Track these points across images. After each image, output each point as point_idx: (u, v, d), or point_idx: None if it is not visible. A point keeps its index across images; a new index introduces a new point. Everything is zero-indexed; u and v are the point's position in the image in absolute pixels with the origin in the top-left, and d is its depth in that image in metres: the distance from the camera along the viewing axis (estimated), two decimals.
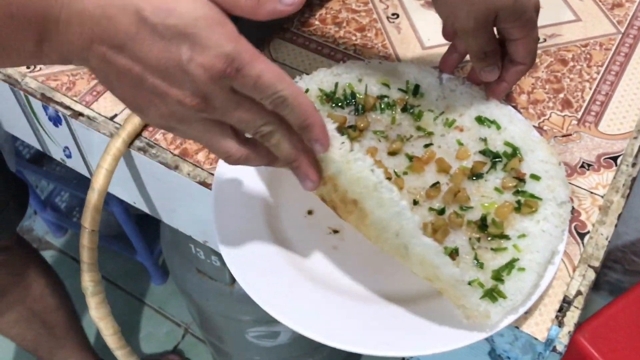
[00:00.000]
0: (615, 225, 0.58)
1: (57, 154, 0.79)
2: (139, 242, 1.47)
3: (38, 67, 0.72)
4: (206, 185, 0.62)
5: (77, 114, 0.68)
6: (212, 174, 0.62)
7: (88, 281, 0.64)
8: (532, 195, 0.55)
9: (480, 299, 0.49)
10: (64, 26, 0.39)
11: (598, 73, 0.70)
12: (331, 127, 0.46)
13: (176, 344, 1.55)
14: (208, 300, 1.03)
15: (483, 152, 0.59)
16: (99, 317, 0.64)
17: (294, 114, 0.42)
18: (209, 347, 1.35)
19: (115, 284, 1.65)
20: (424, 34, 0.75)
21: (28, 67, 0.72)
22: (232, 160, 0.44)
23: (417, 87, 0.64)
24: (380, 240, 0.49)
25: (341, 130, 0.61)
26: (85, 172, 0.79)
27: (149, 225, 1.48)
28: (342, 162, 0.46)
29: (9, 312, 1.12)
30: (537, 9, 0.56)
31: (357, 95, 0.64)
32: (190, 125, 0.42)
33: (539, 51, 0.73)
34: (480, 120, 0.61)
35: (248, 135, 0.45)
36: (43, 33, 0.39)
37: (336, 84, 0.64)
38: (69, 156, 0.77)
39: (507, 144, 0.59)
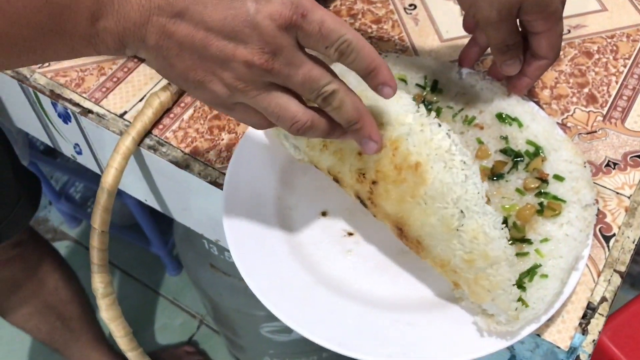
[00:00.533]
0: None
1: (67, 150, 0.78)
2: (153, 234, 1.47)
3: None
4: (217, 185, 0.60)
5: (87, 111, 0.67)
6: (223, 174, 0.61)
7: (98, 282, 0.63)
8: (556, 197, 0.53)
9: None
10: (121, 1, 0.38)
11: (625, 66, 0.67)
12: (406, 96, 0.47)
13: (191, 335, 1.55)
14: (222, 295, 1.02)
15: (504, 151, 0.57)
16: (109, 319, 0.63)
17: (360, 57, 0.42)
18: (224, 339, 1.34)
19: (130, 275, 1.65)
20: (442, 25, 0.73)
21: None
22: (298, 126, 0.43)
23: (435, 82, 0.62)
24: (427, 213, 0.46)
25: None
26: (96, 169, 0.77)
27: (163, 216, 1.47)
28: (415, 125, 0.47)
29: (24, 305, 1.12)
30: (563, 1, 0.54)
31: None
32: (256, 91, 0.41)
33: (562, 43, 0.70)
34: (501, 117, 0.59)
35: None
36: (98, 10, 0.38)
37: None
38: (79, 153, 0.76)
39: (529, 142, 0.57)
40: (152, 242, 1.51)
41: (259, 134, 0.60)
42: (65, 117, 0.70)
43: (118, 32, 0.39)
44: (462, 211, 0.45)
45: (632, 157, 0.60)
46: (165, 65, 0.41)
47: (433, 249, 0.48)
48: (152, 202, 0.74)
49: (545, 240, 0.51)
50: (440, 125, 0.47)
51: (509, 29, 0.54)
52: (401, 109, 0.48)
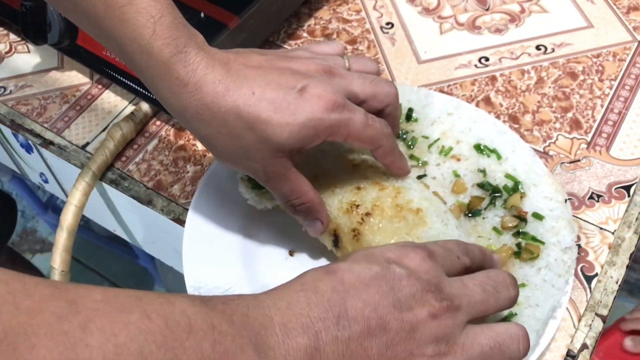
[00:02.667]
0: (627, 266, 0.53)
1: (35, 178, 0.75)
2: (139, 248, 1.44)
3: (8, 89, 0.68)
4: (181, 222, 0.58)
5: (48, 143, 0.64)
6: (187, 209, 0.58)
7: None
8: (534, 238, 0.50)
9: None
10: (281, 324, 0.34)
11: (611, 88, 0.64)
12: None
13: None
14: None
15: (481, 186, 0.54)
16: None
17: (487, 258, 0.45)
18: None
19: (119, 287, 1.62)
20: (420, 45, 0.70)
21: (0, 94, 0.68)
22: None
23: (410, 110, 0.59)
24: None
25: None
26: (64, 198, 0.75)
27: None
28: (417, 184, 0.51)
29: None
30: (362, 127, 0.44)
31: None
32: (461, 341, 0.37)
33: (545, 63, 0.67)
34: (479, 148, 0.56)
35: None
36: (261, 343, 0.32)
37: None
38: (46, 181, 0.73)
39: (508, 176, 0.54)
40: (138, 255, 1.49)
41: (224, 168, 0.57)
42: (28, 148, 0.67)
43: None
44: None
45: (616, 188, 0.57)
46: None
47: None
48: (121, 234, 0.71)
49: (522, 285, 0.48)
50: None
51: (290, 187, 0.45)
52: None
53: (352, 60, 0.49)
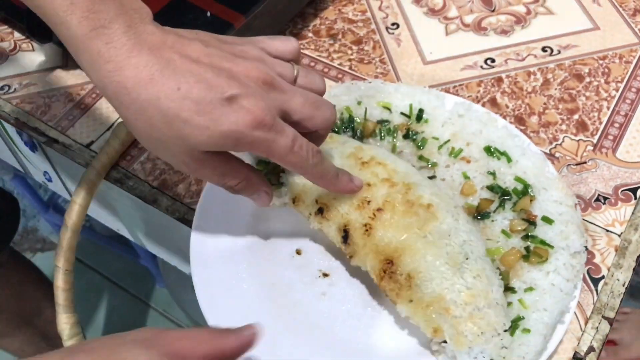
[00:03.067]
0: (634, 269, 0.53)
1: (38, 177, 0.75)
2: (141, 247, 1.44)
3: (12, 88, 0.68)
4: (185, 221, 0.57)
5: (52, 141, 0.64)
6: (192, 209, 0.58)
7: (64, 323, 0.60)
8: (543, 242, 0.50)
9: None
10: None
11: (617, 90, 0.64)
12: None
13: None
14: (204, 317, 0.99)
15: (491, 188, 0.54)
16: None
17: None
18: None
19: (120, 286, 1.63)
20: (425, 46, 0.69)
21: (5, 92, 0.68)
22: None
23: (420, 111, 0.59)
24: (433, 245, 0.46)
25: None
26: (67, 197, 0.74)
27: None
28: (426, 180, 0.51)
29: (8, 327, 1.09)
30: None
31: (356, 120, 0.59)
32: None
33: (551, 65, 0.66)
34: (489, 150, 0.56)
35: None
36: None
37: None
38: (49, 180, 0.73)
39: (517, 179, 0.54)
40: (140, 255, 1.48)
41: None
42: (32, 146, 0.67)
43: None
44: (466, 254, 0.46)
45: (623, 190, 0.57)
46: None
47: (427, 284, 0.45)
48: (125, 233, 0.71)
49: (530, 289, 0.47)
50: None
51: (220, 173, 0.44)
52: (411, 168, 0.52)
53: (301, 72, 0.45)
